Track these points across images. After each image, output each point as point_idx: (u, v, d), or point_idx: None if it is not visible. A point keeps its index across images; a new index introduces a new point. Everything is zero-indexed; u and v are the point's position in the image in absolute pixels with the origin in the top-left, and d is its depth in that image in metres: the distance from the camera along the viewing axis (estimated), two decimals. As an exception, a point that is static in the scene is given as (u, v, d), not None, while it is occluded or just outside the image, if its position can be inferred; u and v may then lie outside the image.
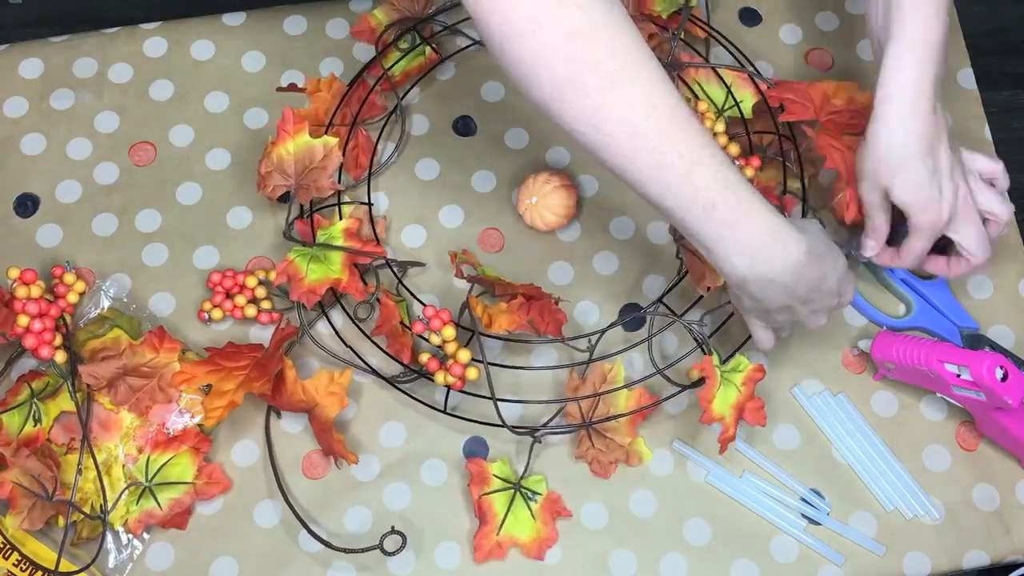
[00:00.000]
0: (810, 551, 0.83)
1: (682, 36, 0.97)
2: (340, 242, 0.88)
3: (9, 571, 0.80)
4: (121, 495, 0.82)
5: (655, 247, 0.93)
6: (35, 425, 0.83)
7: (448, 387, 0.84)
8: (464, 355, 0.83)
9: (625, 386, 0.85)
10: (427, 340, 0.84)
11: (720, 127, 0.92)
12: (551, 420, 0.86)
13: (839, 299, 0.79)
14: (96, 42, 0.99)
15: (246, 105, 0.97)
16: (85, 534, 0.82)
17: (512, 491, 0.84)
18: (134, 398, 0.83)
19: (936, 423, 0.88)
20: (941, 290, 0.91)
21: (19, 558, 0.81)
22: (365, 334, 0.88)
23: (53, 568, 0.80)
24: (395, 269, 0.91)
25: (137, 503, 0.82)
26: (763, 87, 0.94)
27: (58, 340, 0.84)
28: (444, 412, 0.85)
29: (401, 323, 0.86)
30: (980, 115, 0.99)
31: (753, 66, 0.97)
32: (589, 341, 0.87)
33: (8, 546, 0.81)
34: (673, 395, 0.85)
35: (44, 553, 0.82)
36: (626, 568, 0.83)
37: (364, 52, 1.00)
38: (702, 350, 0.85)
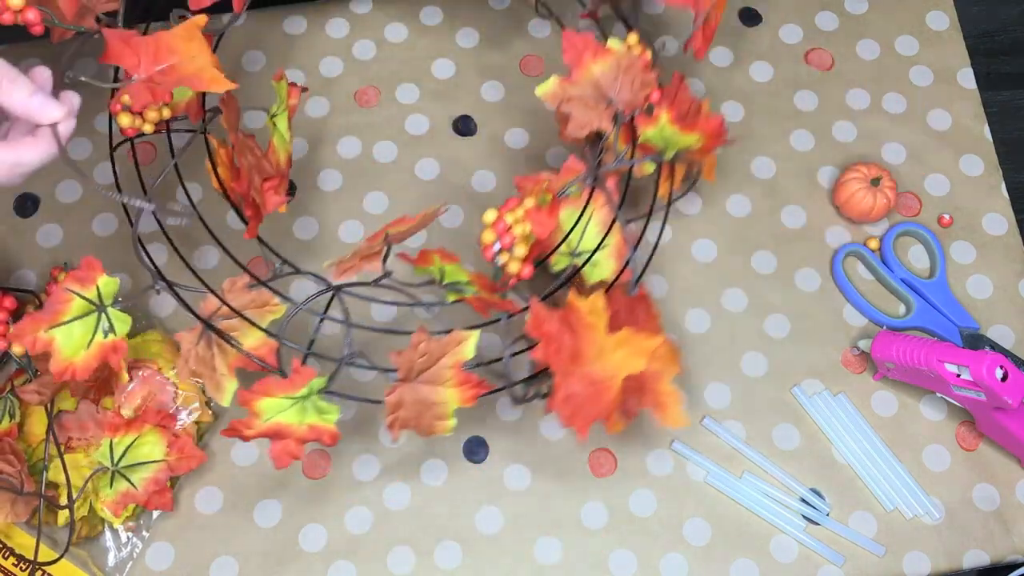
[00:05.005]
0: (810, 551, 0.83)
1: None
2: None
3: (8, 571, 0.81)
4: (87, 482, 0.81)
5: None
6: (11, 420, 0.83)
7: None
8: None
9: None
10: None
11: None
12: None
13: None
14: (96, 42, 0.99)
15: (246, 105, 0.97)
16: (84, 533, 0.82)
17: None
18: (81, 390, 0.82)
19: (936, 423, 0.88)
20: (941, 290, 0.91)
21: (17, 559, 0.81)
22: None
23: (33, 558, 0.80)
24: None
25: (111, 486, 0.81)
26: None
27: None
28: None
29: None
30: (980, 115, 0.99)
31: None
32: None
33: (6, 547, 0.81)
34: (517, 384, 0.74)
35: (33, 548, 0.81)
36: (626, 568, 0.83)
37: (364, 51, 1.00)
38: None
